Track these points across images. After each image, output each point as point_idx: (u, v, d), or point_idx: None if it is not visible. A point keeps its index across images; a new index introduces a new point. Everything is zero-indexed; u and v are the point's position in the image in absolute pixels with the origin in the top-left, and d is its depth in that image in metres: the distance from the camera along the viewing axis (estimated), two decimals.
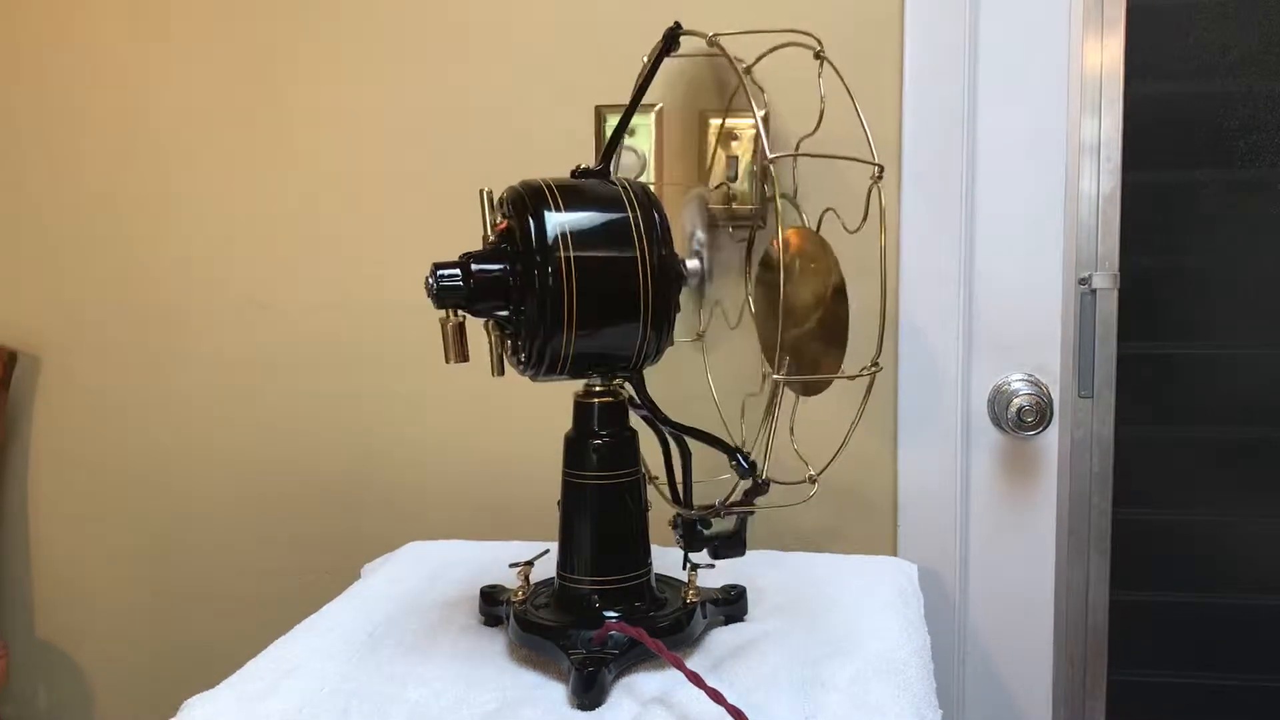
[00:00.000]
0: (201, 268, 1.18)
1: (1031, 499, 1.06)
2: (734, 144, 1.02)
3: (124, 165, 1.18)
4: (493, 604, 0.82)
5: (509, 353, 0.74)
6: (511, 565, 0.80)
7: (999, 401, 1.04)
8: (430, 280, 0.71)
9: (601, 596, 0.75)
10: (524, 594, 0.78)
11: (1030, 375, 1.04)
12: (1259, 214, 1.08)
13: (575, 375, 0.74)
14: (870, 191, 0.77)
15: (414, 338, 1.14)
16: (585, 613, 0.74)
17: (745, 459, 0.74)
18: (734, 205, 1.02)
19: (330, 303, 1.16)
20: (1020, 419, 1.02)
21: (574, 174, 0.76)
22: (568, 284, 0.69)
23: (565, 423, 0.78)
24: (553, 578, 0.79)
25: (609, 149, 0.80)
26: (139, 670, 1.24)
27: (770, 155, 0.72)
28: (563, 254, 0.69)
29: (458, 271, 0.70)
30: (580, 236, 0.70)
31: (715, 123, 1.02)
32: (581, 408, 0.76)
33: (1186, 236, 1.09)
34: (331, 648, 0.78)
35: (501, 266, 0.71)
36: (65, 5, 1.18)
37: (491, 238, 0.73)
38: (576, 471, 0.76)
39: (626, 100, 0.81)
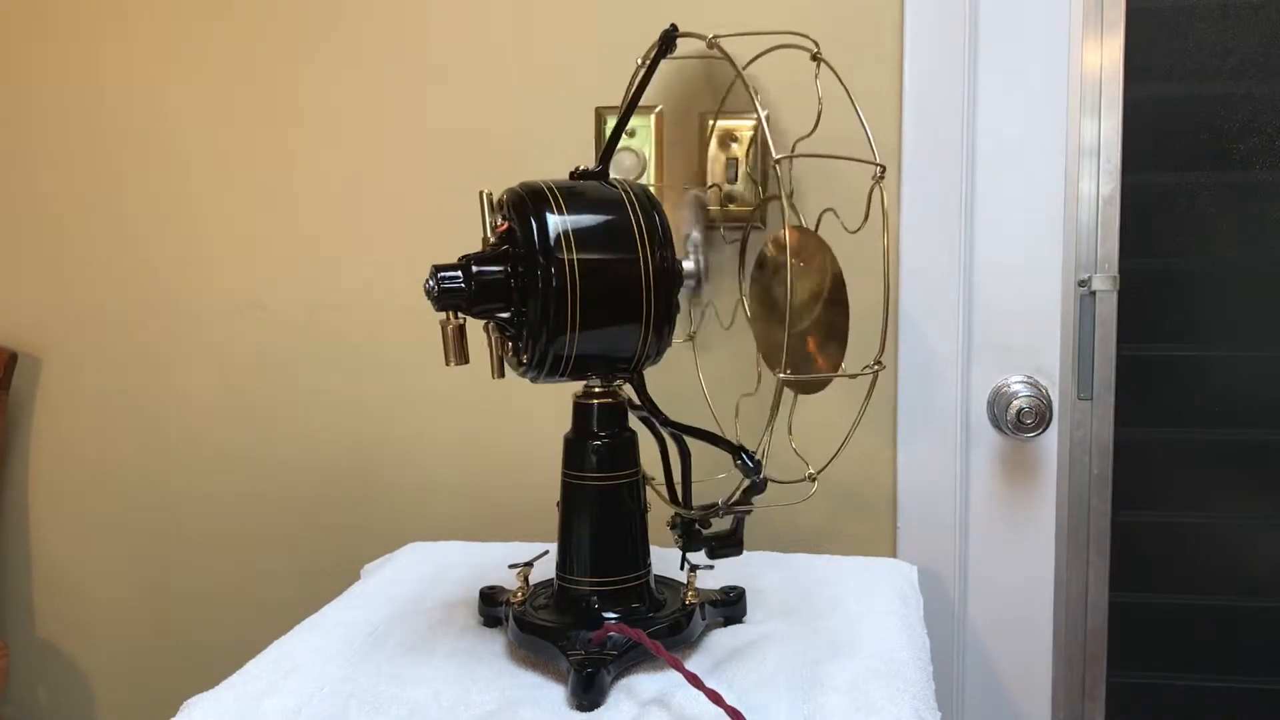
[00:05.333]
0: (202, 269, 1.18)
1: (1031, 501, 1.06)
2: (733, 145, 1.02)
3: (126, 167, 1.18)
4: (492, 605, 0.82)
5: (509, 354, 0.74)
6: (511, 566, 0.80)
7: (998, 403, 1.04)
8: (430, 283, 0.70)
9: (601, 598, 0.75)
10: (523, 595, 0.78)
11: (1030, 377, 1.04)
12: (1258, 216, 1.08)
13: (576, 377, 0.74)
14: (871, 191, 0.77)
15: (413, 338, 1.14)
16: (584, 614, 0.74)
17: (751, 457, 0.73)
18: (732, 206, 1.03)
19: (329, 303, 1.16)
20: (1020, 421, 1.02)
21: (573, 175, 0.76)
22: (571, 286, 0.69)
23: (564, 423, 0.78)
24: (552, 579, 0.79)
25: (607, 150, 0.80)
26: (139, 670, 1.24)
27: (776, 156, 0.72)
28: (565, 256, 0.69)
29: (459, 273, 0.70)
30: (582, 238, 0.70)
31: (714, 124, 1.02)
32: (581, 409, 0.76)
33: (1186, 239, 1.09)
34: (331, 648, 0.78)
35: (503, 268, 0.71)
36: (69, 8, 1.18)
37: (492, 239, 0.73)
38: (576, 472, 0.76)
39: (627, 102, 0.81)
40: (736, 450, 0.74)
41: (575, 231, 0.70)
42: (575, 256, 0.70)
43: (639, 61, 0.83)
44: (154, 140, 1.18)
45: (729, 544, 0.76)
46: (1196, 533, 1.12)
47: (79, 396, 1.22)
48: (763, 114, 0.72)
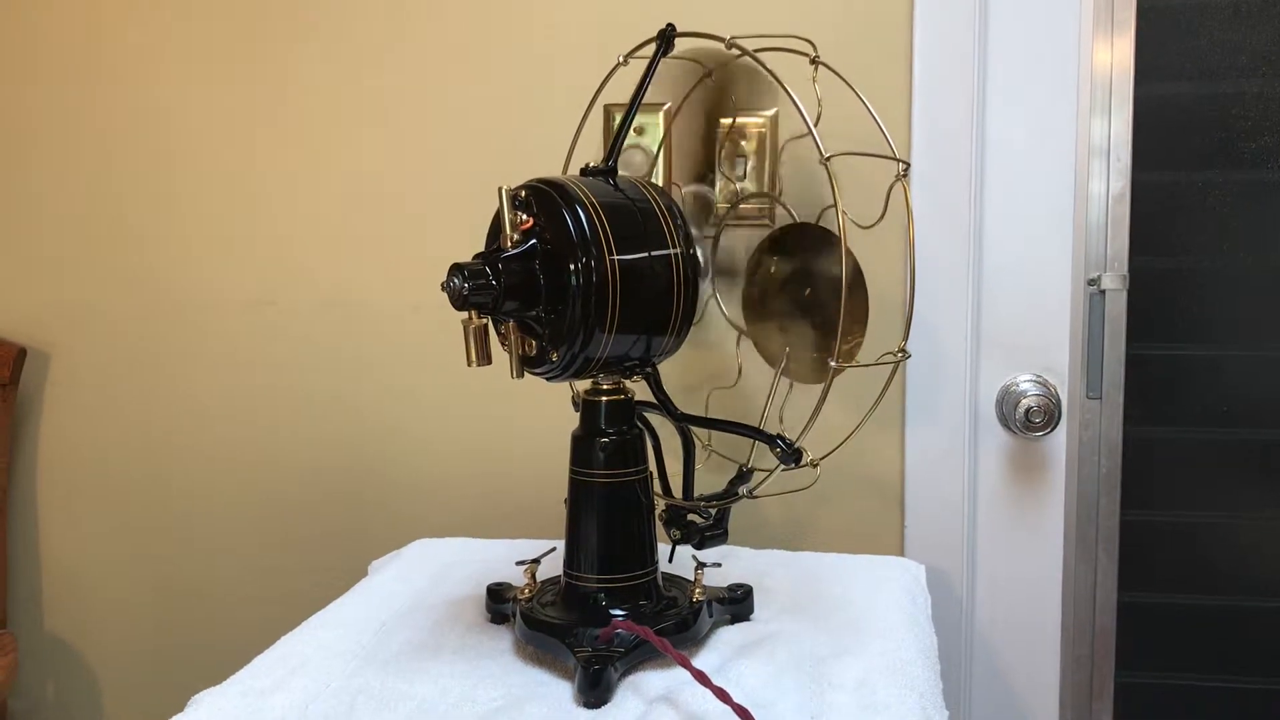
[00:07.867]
0: (209, 266, 1.18)
1: (1039, 500, 1.05)
2: (742, 143, 1.02)
3: (133, 164, 1.19)
4: (499, 601, 0.82)
5: (531, 354, 0.72)
6: (518, 563, 0.80)
7: (1007, 402, 1.04)
8: (457, 281, 0.66)
9: (608, 595, 0.75)
10: (531, 592, 0.78)
11: (1038, 376, 1.04)
12: (1268, 215, 1.07)
13: (598, 375, 0.74)
14: (892, 188, 0.77)
15: (418, 336, 1.14)
16: (592, 611, 0.74)
17: (789, 445, 0.72)
18: (741, 204, 1.02)
19: (336, 300, 1.16)
20: (1028, 420, 1.01)
21: (582, 173, 0.76)
22: (612, 285, 0.67)
23: (573, 420, 0.78)
24: (559, 576, 0.79)
25: (614, 147, 0.80)
26: (147, 665, 1.24)
27: (825, 155, 0.71)
28: (605, 253, 0.67)
29: (487, 271, 0.67)
30: (620, 235, 0.68)
31: (725, 121, 1.02)
32: (589, 406, 0.76)
33: (1196, 238, 1.09)
34: (339, 644, 0.78)
35: (532, 266, 0.69)
36: (71, 8, 1.18)
37: (516, 236, 0.69)
38: (584, 469, 0.76)
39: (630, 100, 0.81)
40: (773, 438, 0.73)
41: (613, 227, 0.68)
42: (615, 253, 0.68)
43: (620, 60, 0.83)
44: (161, 138, 1.18)
45: (717, 532, 0.77)
46: (1205, 532, 1.11)
47: (87, 392, 1.22)
48: (808, 116, 0.72)
